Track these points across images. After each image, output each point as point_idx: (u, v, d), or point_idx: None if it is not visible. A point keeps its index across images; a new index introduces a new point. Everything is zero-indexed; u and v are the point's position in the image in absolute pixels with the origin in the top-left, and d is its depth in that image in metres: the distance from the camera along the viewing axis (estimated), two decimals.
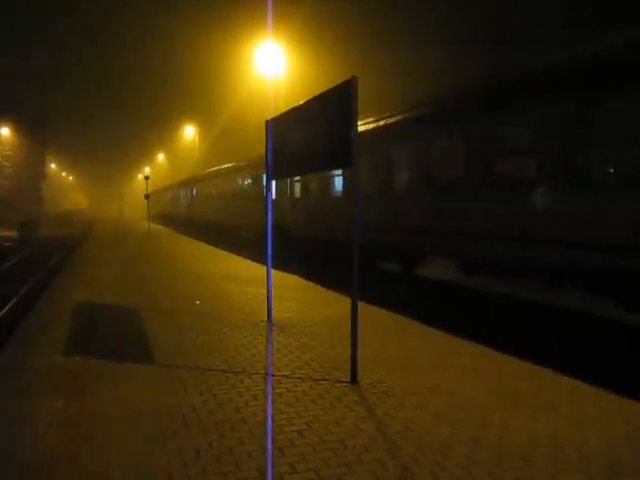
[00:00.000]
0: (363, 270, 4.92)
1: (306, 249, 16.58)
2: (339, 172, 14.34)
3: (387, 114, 12.98)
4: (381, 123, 12.97)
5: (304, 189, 17.48)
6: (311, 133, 5.83)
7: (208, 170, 35.77)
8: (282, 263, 12.36)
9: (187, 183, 42.74)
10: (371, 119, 13.44)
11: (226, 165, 30.18)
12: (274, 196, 18.88)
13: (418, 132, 11.59)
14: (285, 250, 15.98)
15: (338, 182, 15.07)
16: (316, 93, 5.67)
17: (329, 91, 5.34)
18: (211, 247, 21.17)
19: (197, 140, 61.30)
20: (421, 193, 11.38)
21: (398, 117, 12.47)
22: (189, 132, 63.27)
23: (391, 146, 12.62)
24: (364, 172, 12.10)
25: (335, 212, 14.46)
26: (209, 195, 33.45)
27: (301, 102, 6.21)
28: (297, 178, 17.41)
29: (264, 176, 16.63)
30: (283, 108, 6.94)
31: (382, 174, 12.76)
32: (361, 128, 10.18)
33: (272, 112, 7.65)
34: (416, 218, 11.35)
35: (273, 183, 17.56)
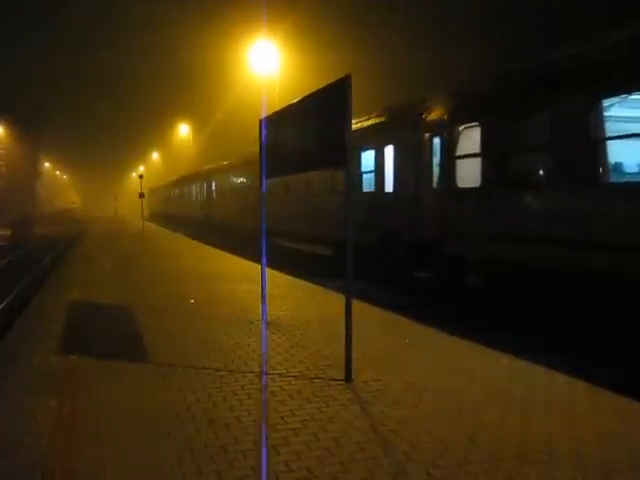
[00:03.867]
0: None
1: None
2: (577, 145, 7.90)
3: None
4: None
5: (488, 174, 9.52)
6: (305, 131, 5.81)
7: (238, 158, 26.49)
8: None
9: (201, 176, 35.39)
10: None
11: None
12: (390, 188, 12.57)
13: None
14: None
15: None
16: (311, 91, 5.66)
17: (323, 89, 5.32)
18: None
19: (191, 138, 61.12)
20: None
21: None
22: (184, 130, 63.10)
23: None
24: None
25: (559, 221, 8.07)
26: (248, 192, 23.78)
27: (295, 100, 6.20)
28: (461, 152, 10.20)
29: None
30: (278, 106, 6.92)
31: None
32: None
33: (267, 110, 7.62)
34: None
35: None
